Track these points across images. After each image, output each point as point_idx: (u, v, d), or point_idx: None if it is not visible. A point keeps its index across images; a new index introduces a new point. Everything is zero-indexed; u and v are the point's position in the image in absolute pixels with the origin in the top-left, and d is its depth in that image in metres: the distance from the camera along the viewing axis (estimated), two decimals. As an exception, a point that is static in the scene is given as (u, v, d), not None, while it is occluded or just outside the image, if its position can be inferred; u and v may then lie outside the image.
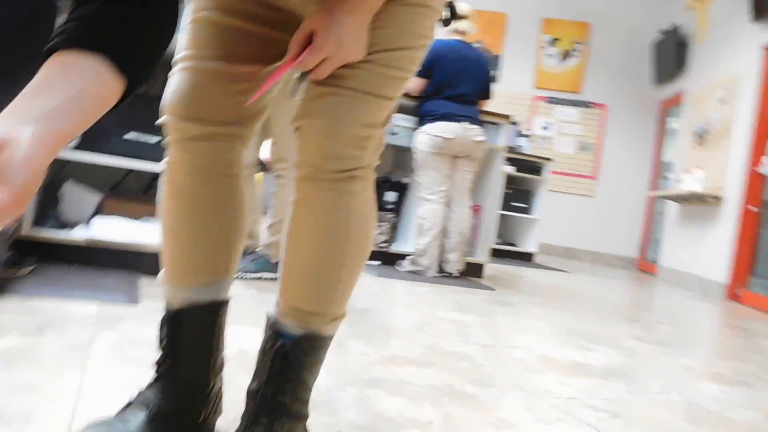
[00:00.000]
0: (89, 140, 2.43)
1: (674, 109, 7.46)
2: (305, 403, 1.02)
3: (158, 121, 1.00)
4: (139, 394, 1.02)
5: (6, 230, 1.81)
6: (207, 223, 1.03)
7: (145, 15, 0.75)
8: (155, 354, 1.05)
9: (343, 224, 0.98)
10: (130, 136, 2.52)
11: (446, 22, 1.06)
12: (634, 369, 2.11)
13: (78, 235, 2.39)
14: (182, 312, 1.02)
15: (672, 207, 6.84)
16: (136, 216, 2.62)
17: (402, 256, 4.07)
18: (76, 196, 2.59)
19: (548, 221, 7.11)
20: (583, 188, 7.95)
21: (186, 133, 0.98)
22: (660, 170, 7.80)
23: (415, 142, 3.84)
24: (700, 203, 6.06)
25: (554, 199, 7.57)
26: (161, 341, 1.04)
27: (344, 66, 0.93)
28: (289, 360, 0.99)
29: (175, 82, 0.99)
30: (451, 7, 1.03)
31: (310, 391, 1.03)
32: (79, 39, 0.69)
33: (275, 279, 2.84)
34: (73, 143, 2.42)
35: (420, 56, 1.01)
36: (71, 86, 0.66)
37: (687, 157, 6.58)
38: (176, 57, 1.02)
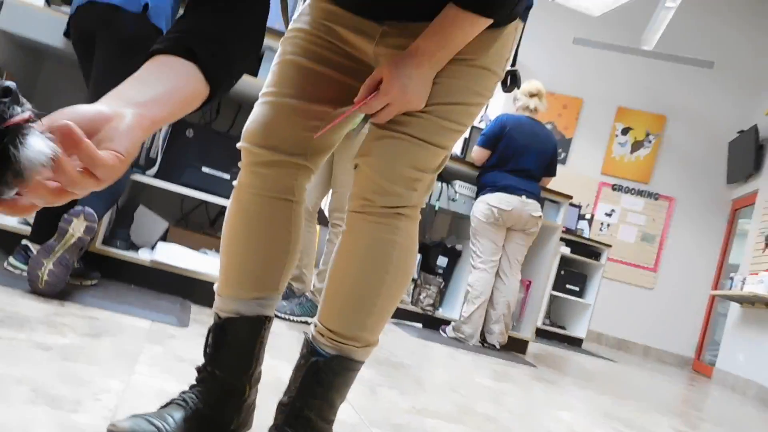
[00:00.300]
0: (167, 170, 2.62)
1: (746, 210, 7.28)
2: (329, 423, 1.08)
3: (237, 145, 1.12)
4: (181, 395, 1.11)
5: (81, 241, 1.97)
6: (262, 242, 1.14)
7: (236, 36, 0.88)
8: (194, 371, 1.14)
9: (385, 256, 1.07)
10: (206, 170, 2.70)
11: (507, 89, 1.14)
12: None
13: (142, 256, 2.55)
14: (229, 322, 1.11)
15: (734, 309, 6.58)
16: (197, 246, 2.77)
17: (446, 322, 4.08)
18: (146, 221, 2.77)
19: (602, 309, 6.94)
20: (643, 279, 7.76)
21: (258, 158, 1.10)
22: (725, 270, 7.55)
23: (472, 211, 3.91)
24: (764, 307, 5.82)
25: (610, 287, 7.41)
26: (206, 348, 1.12)
27: (405, 113, 1.03)
28: (320, 378, 1.06)
29: (255, 113, 1.12)
30: (514, 74, 1.12)
31: (335, 413, 1.09)
32: (177, 47, 0.82)
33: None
34: (152, 171, 2.61)
35: (476, 113, 1.10)
36: (166, 83, 0.78)
37: (755, 259, 6.36)
38: (261, 91, 1.15)
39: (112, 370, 1.40)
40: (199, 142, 2.69)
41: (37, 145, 0.58)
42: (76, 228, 1.97)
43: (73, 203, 2.19)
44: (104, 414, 1.14)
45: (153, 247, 2.70)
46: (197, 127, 2.73)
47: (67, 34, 2.36)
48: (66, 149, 0.60)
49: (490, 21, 1.01)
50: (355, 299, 1.08)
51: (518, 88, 1.25)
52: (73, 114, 0.65)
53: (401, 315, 4.06)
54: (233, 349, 1.12)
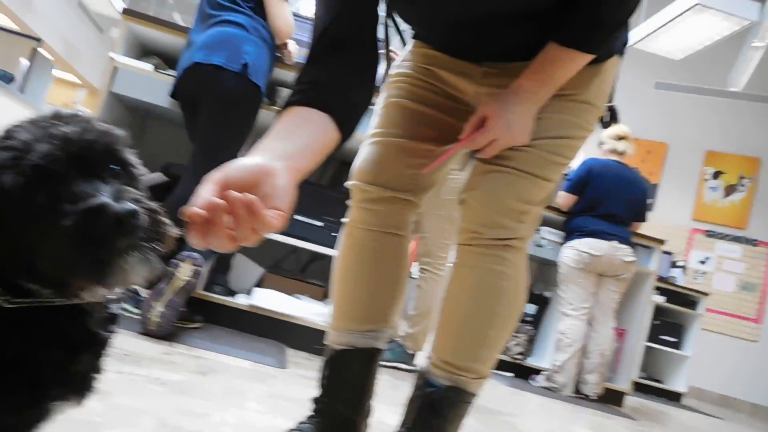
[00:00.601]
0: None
1: None
2: None
3: (347, 183, 1.17)
4: (299, 425, 1.13)
5: (189, 284, 2.07)
6: (374, 275, 1.17)
7: (357, 85, 0.94)
8: (301, 407, 1.16)
9: (496, 287, 1.08)
10: (298, 218, 2.79)
11: (606, 124, 1.14)
12: None
13: (241, 301, 2.63)
14: (343, 354, 1.14)
15: None
16: (290, 292, 2.84)
17: (536, 371, 3.96)
18: (243, 267, 2.88)
19: (701, 362, 6.54)
20: (745, 331, 7.28)
21: (369, 195, 1.14)
22: (838, 322, 6.98)
23: (560, 256, 3.83)
24: None
25: (710, 339, 6.99)
26: (321, 380, 1.15)
27: (509, 148, 1.05)
28: (435, 409, 1.07)
29: (365, 153, 1.17)
30: (612, 110, 1.12)
31: None
32: (310, 99, 0.87)
33: (411, 370, 2.91)
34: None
35: (579, 147, 1.11)
36: (306, 134, 0.84)
37: None
38: (369, 132, 1.20)
39: (224, 406, 1.45)
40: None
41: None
42: (184, 272, 2.08)
43: (180, 247, 2.32)
44: (223, 443, 1.18)
45: (249, 293, 2.79)
46: (291, 178, 2.84)
47: (173, 94, 2.54)
48: (244, 214, 0.67)
49: (591, 57, 1.03)
50: (468, 330, 1.09)
51: (617, 122, 1.25)
52: (239, 169, 0.71)
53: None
54: (347, 381, 1.15)
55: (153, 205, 0.58)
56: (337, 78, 0.91)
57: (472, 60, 1.14)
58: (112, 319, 0.66)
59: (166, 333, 2.05)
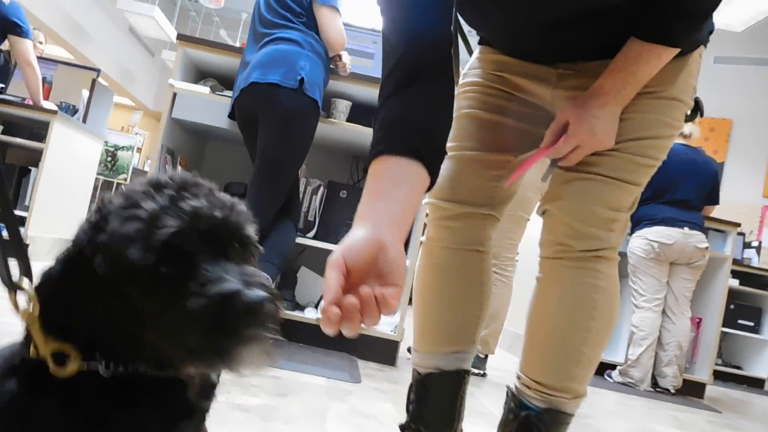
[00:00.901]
0: (325, 230, 2.74)
1: None
2: None
3: (423, 201, 1.15)
4: None
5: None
6: (457, 295, 1.14)
7: (442, 119, 0.90)
8: (380, 423, 1.14)
9: (589, 301, 1.03)
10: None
11: (689, 118, 1.07)
12: None
13: (309, 315, 2.65)
14: (430, 377, 1.11)
15: None
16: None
17: (610, 366, 3.85)
18: (308, 280, 2.89)
19: (782, 345, 6.24)
20: (827, 310, 6.91)
21: (447, 212, 1.11)
22: None
23: (630, 247, 3.71)
24: None
25: (790, 320, 6.66)
26: (408, 405, 1.13)
27: (594, 154, 1.00)
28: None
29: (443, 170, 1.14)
30: (697, 102, 1.05)
31: None
32: (401, 146, 0.83)
33: (482, 374, 2.87)
34: (312, 233, 2.74)
35: (668, 145, 1.05)
36: (406, 192, 0.81)
37: None
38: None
39: (307, 428, 1.45)
40: (351, 202, 2.79)
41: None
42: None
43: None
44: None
45: (317, 306, 2.80)
46: (349, 188, 2.84)
47: (231, 115, 2.57)
48: (374, 305, 0.71)
49: (676, 51, 0.97)
50: (562, 349, 1.04)
51: (701, 116, 1.18)
52: (356, 250, 0.72)
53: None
54: (436, 405, 1.12)
55: (275, 290, 0.56)
56: (421, 115, 0.86)
57: (545, 62, 1.09)
58: (212, 388, 0.65)
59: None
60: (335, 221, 2.78)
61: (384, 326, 2.62)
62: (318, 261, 3.05)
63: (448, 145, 1.15)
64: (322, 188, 2.78)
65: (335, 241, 2.74)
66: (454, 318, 1.15)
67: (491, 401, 2.29)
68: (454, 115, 1.16)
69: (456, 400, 1.13)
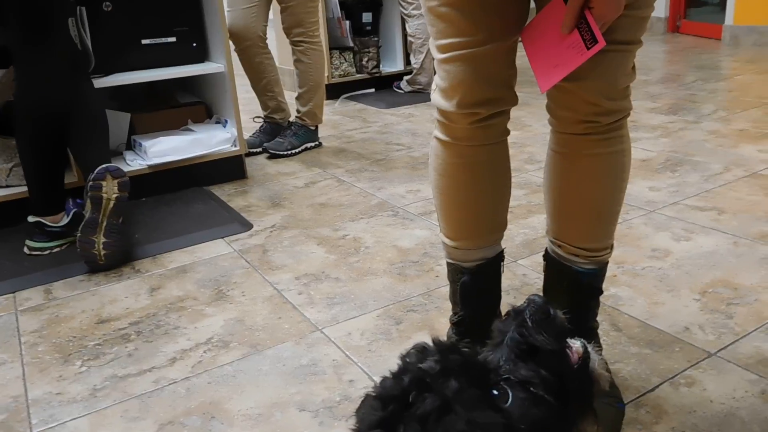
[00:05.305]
0: (103, 60, 2.18)
1: None
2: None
3: (448, 109, 0.98)
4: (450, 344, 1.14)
5: (120, 200, 1.71)
6: (490, 188, 1.09)
7: None
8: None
9: (620, 166, 1.05)
10: (147, 42, 2.27)
11: None
12: None
13: (138, 166, 2.25)
14: (479, 269, 1.11)
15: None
16: (172, 125, 2.47)
17: (394, 77, 4.03)
18: (114, 121, 2.37)
19: None
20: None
21: (477, 116, 0.99)
22: None
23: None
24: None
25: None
26: (458, 300, 1.14)
27: None
28: (588, 293, 1.11)
29: (453, 74, 0.96)
30: None
31: None
32: None
33: (319, 145, 2.82)
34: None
35: None
36: None
37: None
38: (437, 43, 0.96)
39: (259, 301, 1.37)
40: (122, 14, 2.20)
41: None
42: (109, 190, 1.70)
43: (64, 162, 1.87)
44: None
45: (145, 152, 2.37)
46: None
47: None
48: None
49: None
50: (603, 215, 1.08)
51: None
52: None
53: (353, 87, 3.95)
54: (486, 290, 1.14)
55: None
56: None
57: None
58: None
59: (120, 259, 1.76)
60: (115, 43, 2.21)
61: (222, 144, 2.36)
62: (116, 95, 2.48)
63: (445, 42, 0.95)
64: (78, 9, 2.12)
65: (122, 68, 2.22)
66: (491, 209, 1.11)
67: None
68: (439, 3, 0.94)
69: (500, 279, 1.16)
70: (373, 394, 0.51)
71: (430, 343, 0.53)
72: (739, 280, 1.45)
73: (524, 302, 0.53)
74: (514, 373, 0.48)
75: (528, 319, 0.51)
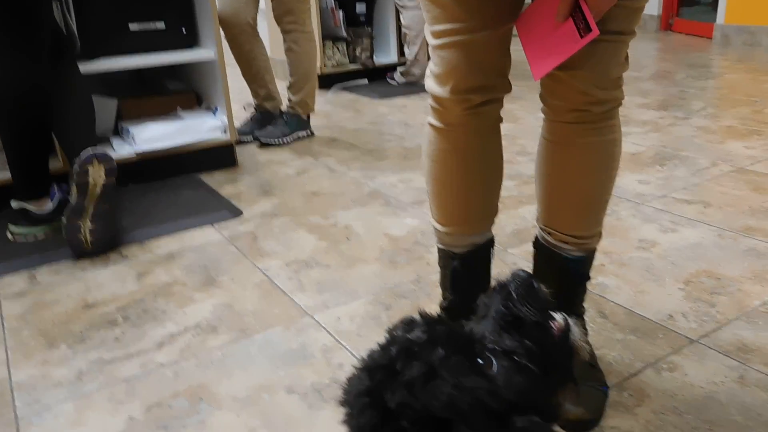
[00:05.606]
0: (91, 43, 2.16)
1: None
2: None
3: (441, 95, 0.98)
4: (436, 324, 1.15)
5: (107, 187, 1.70)
6: (483, 173, 1.09)
7: None
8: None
9: (611, 155, 1.06)
10: (135, 27, 2.26)
11: None
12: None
13: (127, 153, 2.23)
14: (469, 255, 1.12)
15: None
16: (162, 111, 2.46)
17: (387, 68, 4.02)
18: (101, 108, 2.36)
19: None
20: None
21: (472, 102, 0.99)
22: None
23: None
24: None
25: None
26: (447, 285, 1.15)
27: None
28: (576, 279, 1.13)
29: (447, 60, 0.96)
30: None
31: None
32: None
33: (311, 135, 2.82)
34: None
35: None
36: None
37: None
38: (432, 29, 0.96)
39: (245, 280, 1.37)
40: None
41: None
42: (96, 175, 1.69)
43: (48, 147, 1.85)
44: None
45: (133, 140, 2.36)
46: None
47: None
48: None
49: None
50: (593, 203, 1.10)
51: None
52: None
53: (346, 77, 3.95)
54: (475, 276, 1.15)
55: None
56: None
57: None
58: None
59: (107, 245, 1.76)
60: (101, 27, 2.19)
61: (212, 131, 2.35)
62: (103, 82, 2.46)
63: (440, 27, 0.95)
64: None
65: (108, 53, 2.21)
66: (483, 196, 1.11)
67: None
68: None
69: (490, 265, 1.16)
70: (361, 366, 0.51)
71: (418, 318, 0.53)
72: (723, 271, 1.47)
73: (509, 276, 0.54)
74: (499, 344, 0.49)
75: (513, 292, 0.52)
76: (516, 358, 0.48)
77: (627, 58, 1.00)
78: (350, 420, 0.49)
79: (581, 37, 0.89)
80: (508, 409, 0.46)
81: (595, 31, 0.87)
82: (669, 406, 1.02)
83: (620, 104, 1.03)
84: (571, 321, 0.53)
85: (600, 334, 1.24)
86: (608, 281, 1.45)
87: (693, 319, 1.28)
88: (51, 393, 1.16)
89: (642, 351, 1.18)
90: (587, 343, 0.53)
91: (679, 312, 1.31)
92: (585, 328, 1.16)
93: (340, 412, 0.53)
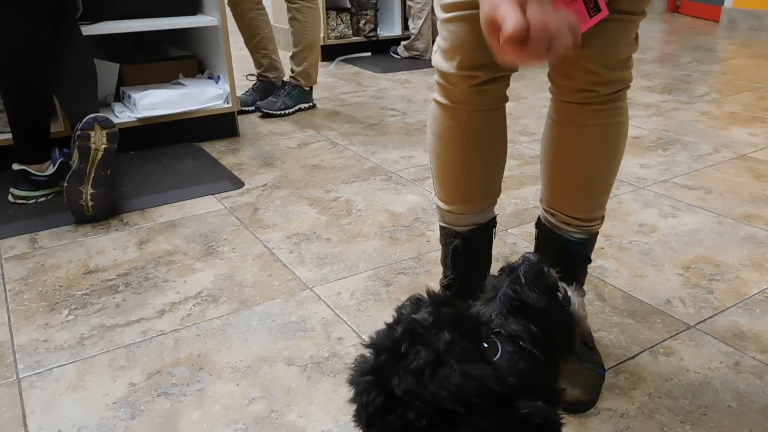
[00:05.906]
0: (92, 6, 2.13)
1: None
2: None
3: (448, 71, 0.97)
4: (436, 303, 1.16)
5: (109, 151, 1.69)
6: (487, 152, 1.09)
7: None
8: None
9: (617, 138, 1.06)
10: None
11: None
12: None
13: (128, 119, 2.22)
14: (471, 234, 1.12)
15: None
16: (162, 78, 2.44)
17: (391, 42, 3.98)
18: (103, 72, 2.34)
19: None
20: None
21: (477, 80, 0.98)
22: None
23: None
24: None
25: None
26: (449, 263, 1.15)
27: None
28: (576, 261, 1.13)
29: (455, 35, 0.94)
30: None
31: None
32: None
33: (313, 106, 2.80)
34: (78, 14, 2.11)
35: None
36: None
37: None
38: (442, 2, 0.95)
39: (246, 257, 1.38)
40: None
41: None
42: (98, 140, 1.68)
43: (49, 109, 1.84)
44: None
45: (134, 104, 2.35)
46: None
47: None
48: None
49: None
50: (597, 186, 1.10)
51: None
52: None
53: (349, 50, 3.91)
54: (476, 255, 1.15)
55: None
56: None
57: None
58: None
59: (107, 211, 1.75)
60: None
61: (214, 100, 2.34)
62: (103, 45, 2.43)
63: (463, 0, 0.94)
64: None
65: (110, 16, 2.18)
66: (486, 175, 1.11)
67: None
68: None
69: (491, 245, 1.17)
70: (367, 344, 0.52)
71: (425, 296, 0.54)
72: (721, 258, 1.48)
73: (519, 259, 0.54)
74: (505, 327, 0.50)
75: (522, 276, 0.52)
76: (521, 343, 0.48)
77: (637, 38, 1.00)
78: (355, 398, 0.50)
79: (590, 16, 0.88)
80: (511, 394, 0.46)
81: (605, 11, 0.87)
82: (664, 390, 1.04)
83: (628, 86, 1.02)
84: (570, 291, 0.54)
85: (598, 317, 1.26)
86: (608, 264, 1.46)
87: (690, 304, 1.29)
88: (53, 356, 1.17)
89: (639, 335, 1.19)
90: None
91: (677, 297, 1.32)
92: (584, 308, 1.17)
93: (338, 385, 0.54)
